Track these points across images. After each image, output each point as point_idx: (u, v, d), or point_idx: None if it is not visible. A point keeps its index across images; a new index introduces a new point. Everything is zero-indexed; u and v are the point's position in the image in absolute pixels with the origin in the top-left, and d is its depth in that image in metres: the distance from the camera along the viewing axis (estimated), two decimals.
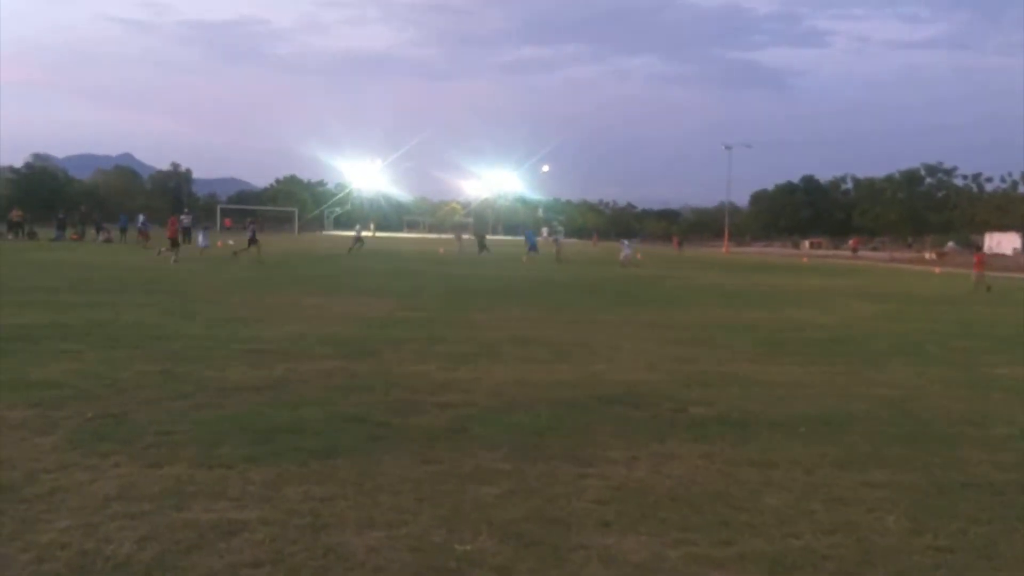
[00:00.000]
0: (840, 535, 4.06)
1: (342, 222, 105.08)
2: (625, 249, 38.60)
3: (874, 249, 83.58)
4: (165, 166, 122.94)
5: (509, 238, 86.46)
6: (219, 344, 9.41)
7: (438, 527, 3.99)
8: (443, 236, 76.33)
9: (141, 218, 42.80)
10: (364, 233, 44.01)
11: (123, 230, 45.59)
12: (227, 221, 77.71)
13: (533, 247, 39.47)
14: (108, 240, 42.55)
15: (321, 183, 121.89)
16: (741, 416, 6.61)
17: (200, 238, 32.51)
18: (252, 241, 30.19)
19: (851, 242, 73.25)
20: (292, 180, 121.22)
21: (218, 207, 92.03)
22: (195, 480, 4.56)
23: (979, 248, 31.86)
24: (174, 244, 27.81)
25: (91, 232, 45.39)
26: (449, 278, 23.72)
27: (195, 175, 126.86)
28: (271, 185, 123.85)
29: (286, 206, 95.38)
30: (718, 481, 4.87)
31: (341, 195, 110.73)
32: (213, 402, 6.47)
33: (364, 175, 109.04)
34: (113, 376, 7.32)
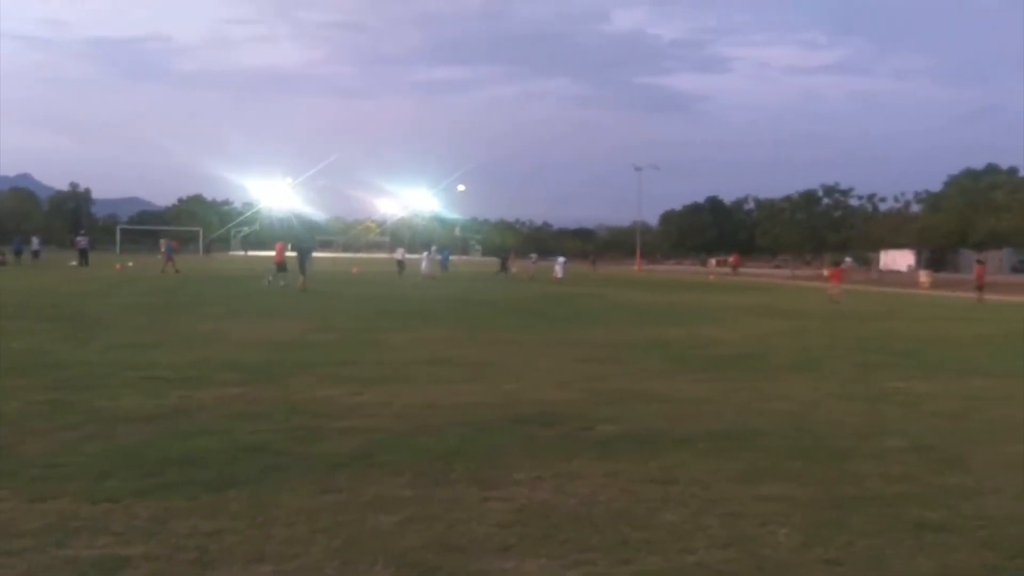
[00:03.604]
0: (733, 549, 4.12)
1: (251, 241, 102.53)
2: (557, 266, 42.71)
3: (777, 267, 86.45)
4: (65, 186, 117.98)
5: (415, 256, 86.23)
6: (114, 371, 9.01)
7: (332, 559, 3.87)
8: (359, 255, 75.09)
9: (164, 243, 40.64)
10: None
11: (18, 253, 43.87)
12: (173, 243, 74.24)
13: (445, 265, 43.04)
14: (3, 263, 40.62)
15: (227, 203, 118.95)
16: (647, 433, 6.69)
17: (438, 259, 35.70)
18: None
19: (731, 259, 66.33)
20: (197, 200, 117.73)
21: (118, 228, 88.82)
22: (79, 515, 4.34)
23: (837, 264, 33.68)
24: (280, 268, 27.72)
25: None
26: (365, 299, 23.41)
27: (96, 195, 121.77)
28: (174, 204, 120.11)
29: (190, 226, 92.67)
30: (620, 499, 4.90)
31: (249, 214, 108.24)
32: (104, 433, 6.18)
33: (275, 194, 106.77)
34: None
